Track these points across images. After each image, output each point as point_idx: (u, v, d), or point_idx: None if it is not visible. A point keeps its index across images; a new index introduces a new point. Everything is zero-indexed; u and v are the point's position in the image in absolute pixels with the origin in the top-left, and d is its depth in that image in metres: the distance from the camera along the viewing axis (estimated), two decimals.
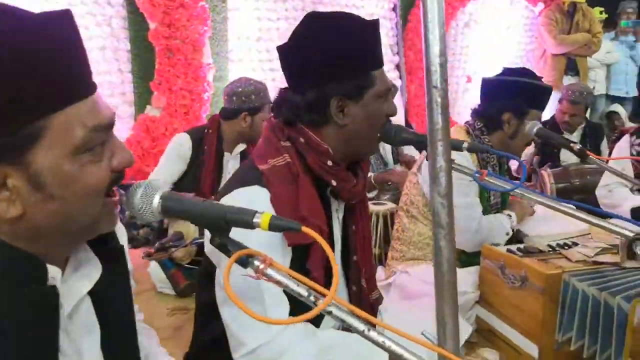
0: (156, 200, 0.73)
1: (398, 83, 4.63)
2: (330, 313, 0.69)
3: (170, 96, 3.62)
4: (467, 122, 2.11)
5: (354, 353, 1.07)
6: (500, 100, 1.98)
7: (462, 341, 1.65)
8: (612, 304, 1.42)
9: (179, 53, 3.58)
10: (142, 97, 3.64)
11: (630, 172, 2.46)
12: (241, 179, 1.16)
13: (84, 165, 0.67)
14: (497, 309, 1.79)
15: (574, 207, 1.05)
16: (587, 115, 4.57)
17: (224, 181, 2.53)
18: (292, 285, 0.70)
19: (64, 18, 0.67)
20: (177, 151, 2.54)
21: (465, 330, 1.66)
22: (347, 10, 4.09)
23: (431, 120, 0.67)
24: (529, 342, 1.64)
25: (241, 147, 2.64)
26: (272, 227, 0.68)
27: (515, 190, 1.09)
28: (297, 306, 1.05)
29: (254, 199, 1.09)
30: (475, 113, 2.09)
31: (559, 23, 4.79)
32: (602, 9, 5.40)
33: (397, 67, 4.83)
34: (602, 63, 5.34)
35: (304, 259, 1.12)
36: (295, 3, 4.24)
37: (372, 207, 2.60)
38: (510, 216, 2.04)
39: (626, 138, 2.54)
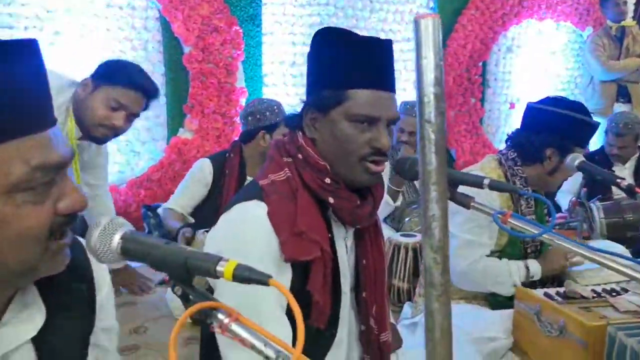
0: (116, 240, 0.65)
1: None
2: None
3: (202, 119, 3.64)
4: (500, 152, 1.96)
5: None
6: (544, 133, 1.80)
7: None
8: None
9: (212, 77, 3.61)
10: (175, 120, 3.68)
11: None
12: (242, 195, 1.12)
13: (20, 206, 0.61)
14: (532, 359, 1.62)
15: (611, 257, 0.91)
16: None
17: None
18: (259, 345, 0.61)
19: (26, 46, 0.63)
20: (198, 176, 2.50)
21: None
22: (381, 34, 4.05)
23: (424, 160, 0.57)
24: None
25: None
26: (236, 277, 0.60)
27: (542, 235, 0.95)
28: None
29: (252, 215, 1.05)
30: (512, 142, 1.93)
31: (606, 49, 4.54)
32: None
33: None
34: None
35: (305, 279, 1.05)
36: None
37: (401, 240, 2.48)
38: (528, 268, 1.85)
39: None
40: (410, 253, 2.53)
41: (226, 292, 0.94)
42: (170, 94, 3.65)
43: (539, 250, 1.93)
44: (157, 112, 3.62)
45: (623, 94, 4.64)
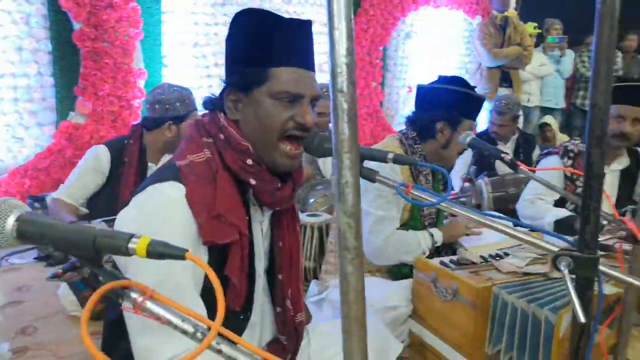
0: (10, 222, 0.60)
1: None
2: (220, 352, 0.59)
3: (96, 102, 3.41)
4: (400, 131, 2.07)
5: None
6: (434, 108, 1.95)
7: (393, 359, 1.59)
8: (540, 316, 1.41)
9: (107, 56, 3.38)
10: (65, 103, 3.40)
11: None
12: (157, 176, 1.07)
13: None
14: (429, 323, 1.76)
15: (502, 220, 1.01)
16: (521, 126, 4.73)
17: None
18: (176, 321, 0.60)
19: None
20: (93, 164, 2.31)
21: (396, 348, 1.60)
22: (285, 15, 4.05)
23: (337, 130, 0.59)
24: (460, 356, 1.61)
25: (168, 156, 2.48)
26: (150, 253, 0.58)
27: (440, 203, 1.03)
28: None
29: (167, 195, 1.01)
30: (409, 121, 2.06)
31: (492, 37, 4.92)
32: (536, 24, 5.62)
33: None
34: (535, 76, 5.55)
35: (221, 262, 1.04)
36: (235, 8, 4.13)
37: (307, 219, 2.53)
38: (433, 235, 2.00)
39: (555, 159, 2.52)
40: (316, 233, 2.59)
41: (138, 271, 0.90)
42: (58, 75, 3.36)
43: (435, 223, 2.09)
44: (43, 95, 3.32)
45: (505, 79, 5.08)
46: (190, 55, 3.95)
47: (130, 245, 0.59)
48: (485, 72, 5.02)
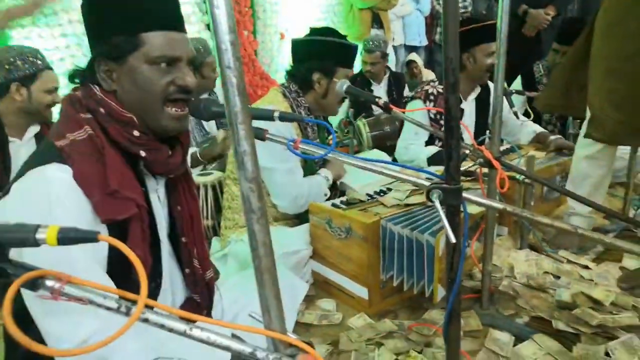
0: None
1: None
2: (147, 321, 0.63)
3: None
4: (282, 85, 2.13)
5: (189, 346, 1.03)
6: (309, 60, 2.03)
7: (301, 299, 1.72)
8: (422, 240, 1.61)
9: None
10: None
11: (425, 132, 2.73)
12: (36, 160, 1.01)
13: None
14: (328, 261, 1.90)
15: (381, 163, 1.13)
16: (393, 67, 5.02)
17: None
18: (98, 299, 0.63)
19: None
20: None
21: (302, 288, 1.73)
22: None
23: (228, 103, 0.63)
24: (359, 286, 1.78)
25: (34, 129, 2.29)
26: (62, 241, 0.59)
27: (327, 155, 1.12)
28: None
29: (53, 178, 0.96)
30: (289, 75, 2.12)
31: None
32: None
33: (209, 27, 4.65)
34: (397, 15, 5.84)
35: (122, 237, 1.03)
36: None
37: (199, 179, 2.52)
38: (328, 178, 2.16)
39: (419, 103, 2.71)
40: (210, 191, 2.60)
41: (37, 262, 0.88)
42: None
43: (322, 163, 2.23)
44: None
45: (376, 21, 5.32)
46: (40, 15, 3.55)
47: (38, 236, 0.59)
48: (357, 14, 5.22)
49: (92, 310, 0.92)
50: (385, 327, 1.66)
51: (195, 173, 2.69)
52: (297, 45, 2.09)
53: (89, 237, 0.60)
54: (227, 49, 0.62)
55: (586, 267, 2.03)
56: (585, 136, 2.01)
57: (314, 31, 2.08)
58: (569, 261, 2.08)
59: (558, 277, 1.95)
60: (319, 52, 2.01)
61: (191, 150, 2.71)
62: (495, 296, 1.82)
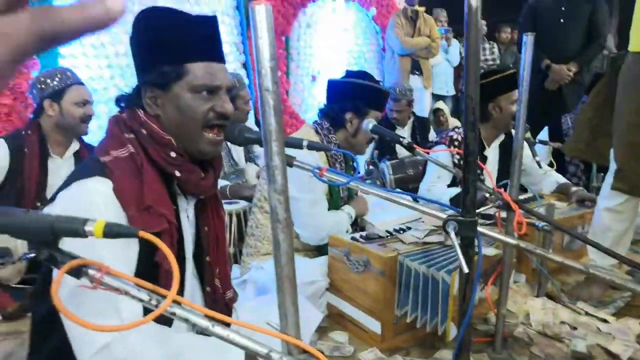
0: None
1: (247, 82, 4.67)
2: (174, 314, 0.69)
3: None
4: (315, 122, 2.24)
5: (207, 356, 1.07)
6: (343, 101, 2.15)
7: (314, 328, 1.75)
8: (438, 278, 1.63)
9: None
10: None
11: (449, 175, 2.78)
12: (81, 172, 1.11)
13: None
14: (344, 294, 1.93)
15: (405, 196, 1.18)
16: (416, 111, 5.12)
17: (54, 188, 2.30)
18: (133, 291, 0.69)
19: None
20: None
21: (316, 318, 1.75)
22: (187, 7, 4.02)
23: (265, 122, 0.70)
24: (373, 320, 1.80)
25: (74, 147, 2.43)
26: (107, 234, 0.66)
27: (350, 182, 1.18)
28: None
29: (95, 189, 1.05)
30: (322, 112, 2.24)
31: (404, 27, 5.33)
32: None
33: (244, 65, 4.86)
34: None
35: (152, 250, 1.09)
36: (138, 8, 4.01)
37: (225, 207, 2.59)
38: (351, 215, 2.23)
39: (443, 148, 2.75)
40: (234, 219, 2.67)
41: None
42: None
43: (347, 199, 2.31)
44: None
45: (416, 68, 5.50)
46: (88, 45, 3.79)
47: (87, 228, 0.66)
48: (397, 60, 5.42)
49: (115, 316, 0.99)
50: None
51: (222, 200, 2.77)
52: (333, 85, 2.22)
53: (131, 233, 0.67)
54: (267, 74, 0.70)
55: (605, 321, 2.00)
56: (612, 188, 2.02)
57: (349, 73, 2.21)
58: (587, 313, 2.05)
59: (575, 328, 1.93)
60: (353, 93, 2.12)
61: (221, 182, 2.81)
62: (509, 341, 1.81)
